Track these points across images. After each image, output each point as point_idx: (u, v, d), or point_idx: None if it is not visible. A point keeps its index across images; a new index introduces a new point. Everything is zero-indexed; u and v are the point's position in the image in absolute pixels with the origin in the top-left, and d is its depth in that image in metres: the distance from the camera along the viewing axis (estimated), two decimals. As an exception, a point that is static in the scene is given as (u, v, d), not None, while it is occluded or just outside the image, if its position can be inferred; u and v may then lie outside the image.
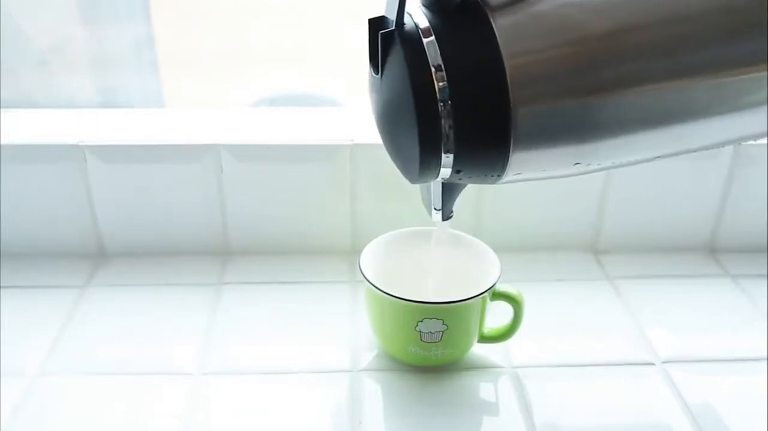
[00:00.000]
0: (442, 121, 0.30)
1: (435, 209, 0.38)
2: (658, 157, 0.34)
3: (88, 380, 0.47)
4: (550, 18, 0.30)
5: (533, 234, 0.62)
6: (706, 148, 0.34)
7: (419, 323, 0.45)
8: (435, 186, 0.37)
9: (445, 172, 0.32)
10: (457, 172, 0.32)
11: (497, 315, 0.49)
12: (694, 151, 0.34)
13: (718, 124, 0.32)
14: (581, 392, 0.47)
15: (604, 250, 0.63)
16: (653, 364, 0.49)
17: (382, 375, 0.48)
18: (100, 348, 0.50)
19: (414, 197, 0.59)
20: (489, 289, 0.45)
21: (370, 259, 0.48)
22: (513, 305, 0.47)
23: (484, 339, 0.49)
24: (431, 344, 0.46)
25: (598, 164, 0.33)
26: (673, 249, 0.63)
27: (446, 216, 0.39)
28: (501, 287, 0.47)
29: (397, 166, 0.35)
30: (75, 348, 0.50)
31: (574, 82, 0.30)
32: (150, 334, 0.52)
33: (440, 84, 0.30)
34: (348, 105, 0.79)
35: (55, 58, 0.72)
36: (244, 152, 0.57)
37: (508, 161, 0.31)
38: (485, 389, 0.47)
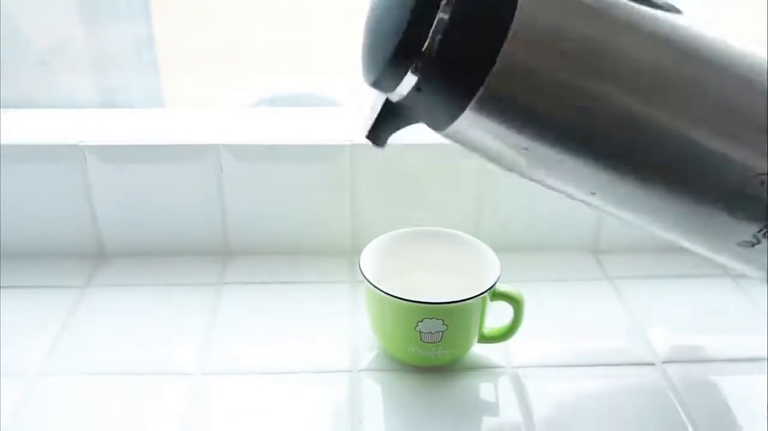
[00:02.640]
0: (432, 36, 0.29)
1: (370, 125, 0.36)
2: (594, 193, 0.34)
3: (88, 380, 0.47)
4: None
5: (533, 234, 0.62)
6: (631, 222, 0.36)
7: (419, 323, 0.45)
8: (382, 101, 0.35)
9: (408, 82, 0.31)
10: (417, 90, 0.31)
11: (497, 315, 0.49)
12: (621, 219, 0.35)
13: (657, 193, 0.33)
14: (581, 392, 0.47)
15: (604, 250, 0.63)
16: (653, 364, 0.49)
17: (382, 375, 0.48)
18: (100, 348, 0.50)
19: (415, 197, 0.59)
20: (489, 289, 0.45)
21: (370, 259, 0.48)
22: (513, 305, 0.47)
23: (484, 339, 0.49)
24: (431, 344, 0.46)
25: (537, 166, 0.33)
26: (672, 249, 0.62)
27: (378, 140, 0.36)
28: (501, 287, 0.47)
29: (364, 59, 0.34)
30: (75, 348, 0.50)
31: (568, 63, 0.30)
32: (150, 334, 0.52)
33: None
34: (348, 105, 0.79)
35: (55, 58, 0.72)
36: (244, 152, 0.57)
37: (466, 107, 0.30)
38: (485, 389, 0.47)
